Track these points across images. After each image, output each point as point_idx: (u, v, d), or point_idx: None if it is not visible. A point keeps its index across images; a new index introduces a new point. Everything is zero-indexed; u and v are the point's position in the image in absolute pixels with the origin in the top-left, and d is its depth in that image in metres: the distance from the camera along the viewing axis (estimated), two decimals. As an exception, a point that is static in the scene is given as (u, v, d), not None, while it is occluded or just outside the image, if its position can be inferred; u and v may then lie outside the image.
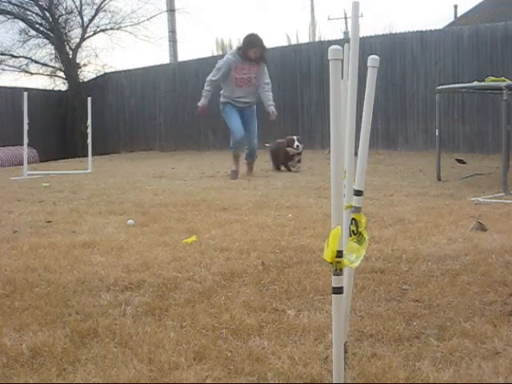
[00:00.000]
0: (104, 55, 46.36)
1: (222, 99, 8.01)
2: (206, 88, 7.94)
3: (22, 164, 9.52)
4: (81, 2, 19.48)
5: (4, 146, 14.92)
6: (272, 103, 8.00)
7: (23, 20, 19.39)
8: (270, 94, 8.01)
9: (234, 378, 1.85)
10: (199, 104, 8.01)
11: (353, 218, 1.61)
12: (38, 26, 19.54)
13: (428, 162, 8.81)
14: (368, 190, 5.58)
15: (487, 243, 3.47)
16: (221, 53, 17.32)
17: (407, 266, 3.03)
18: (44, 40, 19.57)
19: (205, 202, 5.44)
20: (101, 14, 19.71)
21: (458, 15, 27.48)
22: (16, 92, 15.47)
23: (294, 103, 13.72)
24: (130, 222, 4.49)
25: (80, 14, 19.58)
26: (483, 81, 6.92)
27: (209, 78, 7.94)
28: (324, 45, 12.90)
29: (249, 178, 7.62)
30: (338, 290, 1.51)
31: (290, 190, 6.30)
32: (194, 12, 43.88)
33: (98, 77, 18.03)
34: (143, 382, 1.83)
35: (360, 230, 1.58)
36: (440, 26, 18.90)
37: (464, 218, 4.39)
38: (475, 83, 7.25)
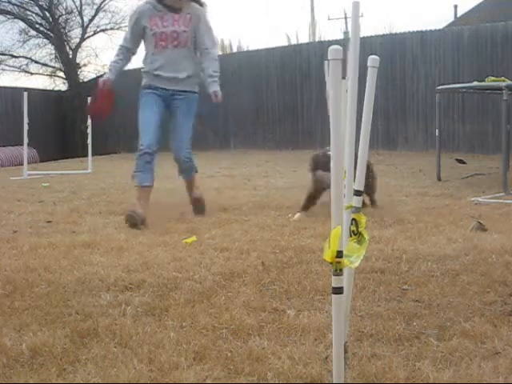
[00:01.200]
0: (104, 55, 46.34)
1: (143, 81, 4.86)
2: (113, 59, 4.89)
3: (22, 164, 9.53)
4: (81, 2, 19.53)
5: (4, 146, 14.93)
6: (215, 78, 4.78)
7: (23, 20, 19.40)
8: (214, 63, 4.80)
9: (234, 378, 1.85)
10: (103, 78, 4.99)
11: (353, 218, 1.61)
12: (38, 26, 19.57)
13: (428, 162, 8.81)
14: (368, 190, 5.58)
15: (487, 243, 3.47)
16: (221, 53, 17.34)
17: (407, 266, 3.03)
18: (44, 40, 19.60)
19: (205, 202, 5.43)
20: (101, 14, 19.77)
21: (458, 15, 27.46)
22: (16, 92, 15.49)
23: (293, 103, 13.73)
24: (130, 221, 4.48)
25: (80, 14, 19.62)
26: (483, 81, 6.92)
27: (119, 44, 4.93)
28: (324, 45, 12.91)
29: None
30: (338, 290, 1.51)
31: (290, 190, 6.30)
32: (193, 12, 43.79)
33: (98, 77, 18.02)
34: (143, 382, 1.83)
35: (360, 230, 1.58)
36: (440, 26, 18.89)
37: (464, 217, 4.38)
38: (475, 83, 7.25)
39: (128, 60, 4.87)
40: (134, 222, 4.29)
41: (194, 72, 4.76)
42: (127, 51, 4.80)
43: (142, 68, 4.87)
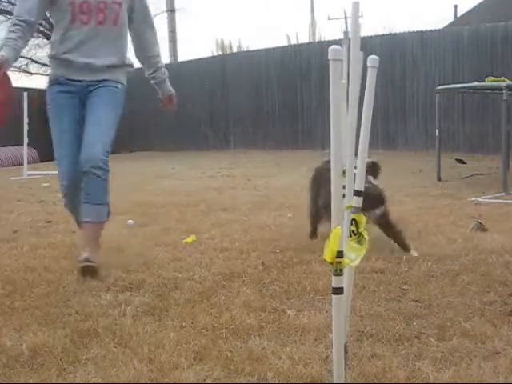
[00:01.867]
0: (104, 55, 46.38)
1: (50, 73, 3.49)
2: (9, 34, 3.18)
3: (22, 164, 9.53)
4: (81, 2, 19.51)
5: (4, 146, 14.91)
6: (164, 75, 3.53)
7: (23, 20, 19.39)
8: (158, 55, 3.54)
9: (234, 378, 1.85)
10: None
11: (353, 219, 1.61)
12: (38, 26, 19.56)
13: (428, 162, 8.81)
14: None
15: (487, 243, 3.47)
16: (221, 53, 17.36)
17: (407, 266, 3.03)
18: (44, 40, 19.59)
19: (205, 202, 5.44)
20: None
21: (458, 15, 27.46)
22: (16, 92, 15.47)
23: (293, 103, 13.72)
24: (130, 222, 4.49)
25: (80, 14, 19.60)
26: (483, 81, 6.92)
27: (16, 17, 3.25)
28: (324, 45, 12.90)
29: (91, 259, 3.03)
30: (339, 291, 1.51)
31: (290, 190, 6.30)
32: (194, 12, 43.92)
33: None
34: (143, 382, 1.83)
35: (360, 230, 1.58)
36: (440, 26, 18.90)
37: (464, 217, 4.38)
38: (475, 83, 7.25)
39: (29, 38, 3.31)
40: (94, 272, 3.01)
41: (122, 62, 3.37)
42: (29, 26, 3.21)
43: (49, 53, 3.45)
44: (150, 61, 3.49)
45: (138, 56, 3.55)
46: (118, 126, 3.32)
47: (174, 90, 3.55)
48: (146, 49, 3.48)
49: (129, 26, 3.39)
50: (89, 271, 2.97)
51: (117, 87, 3.33)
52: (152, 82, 3.56)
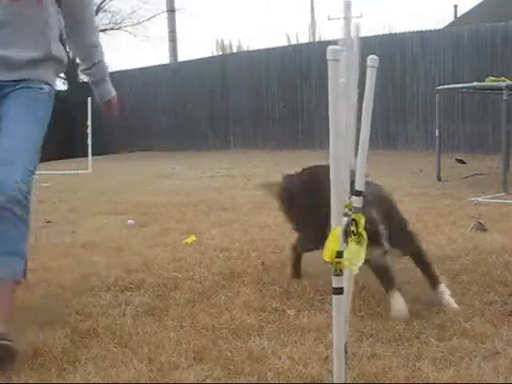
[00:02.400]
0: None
1: None
2: None
3: (22, 164, 9.50)
4: (81, 2, 19.49)
5: (4, 146, 14.91)
6: (104, 72, 2.68)
7: (23, 20, 19.36)
8: (93, 36, 2.67)
9: (234, 378, 1.85)
10: None
11: (353, 219, 1.60)
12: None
13: (428, 162, 8.80)
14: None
15: (487, 243, 3.47)
16: (221, 53, 17.36)
17: (407, 266, 3.03)
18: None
19: (205, 202, 5.44)
20: (101, 14, 19.79)
21: (458, 15, 27.44)
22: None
23: (293, 103, 13.72)
24: (130, 222, 4.50)
25: (80, 13, 19.58)
26: (483, 81, 6.92)
27: None
28: (324, 45, 12.87)
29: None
30: (339, 291, 1.50)
31: (289, 190, 6.29)
32: (194, 12, 43.96)
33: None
34: (143, 382, 1.83)
35: (359, 230, 1.57)
36: (440, 26, 18.89)
37: (464, 217, 4.38)
38: (475, 83, 7.25)
39: None
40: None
41: (49, 55, 2.45)
42: None
43: None
44: (86, 52, 2.66)
45: (69, 45, 2.70)
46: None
47: (114, 93, 2.72)
48: (79, 35, 2.62)
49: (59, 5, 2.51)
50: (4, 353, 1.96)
51: (41, 88, 2.42)
52: (89, 80, 2.71)
